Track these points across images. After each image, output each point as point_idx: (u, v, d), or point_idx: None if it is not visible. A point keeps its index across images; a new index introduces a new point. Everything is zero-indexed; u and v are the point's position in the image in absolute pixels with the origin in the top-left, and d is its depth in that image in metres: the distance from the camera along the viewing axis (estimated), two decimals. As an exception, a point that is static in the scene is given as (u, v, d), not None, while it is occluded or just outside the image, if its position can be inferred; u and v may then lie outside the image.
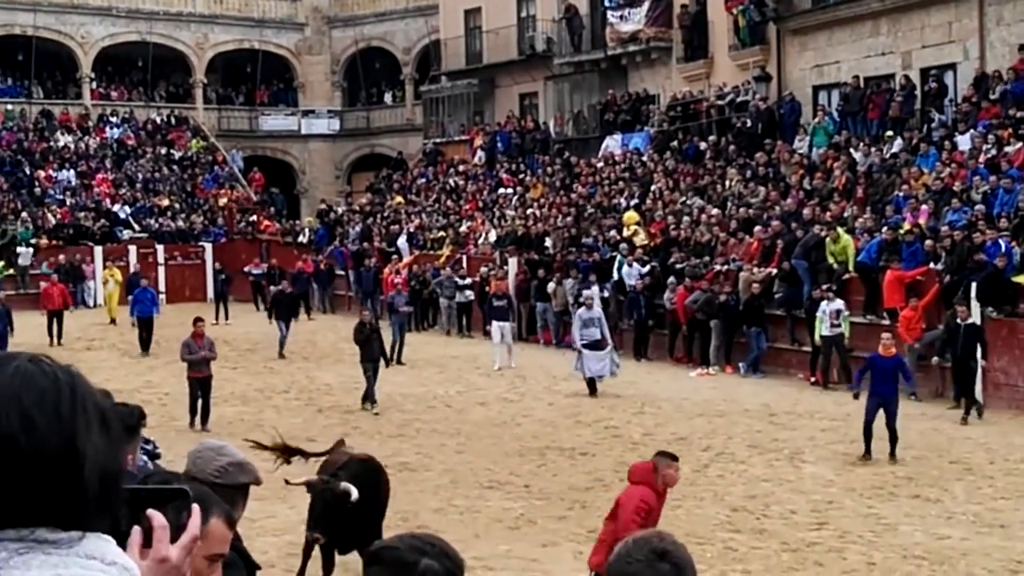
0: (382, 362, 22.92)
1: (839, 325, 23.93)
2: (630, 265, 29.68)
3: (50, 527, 1.73)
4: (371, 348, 22.56)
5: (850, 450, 17.78)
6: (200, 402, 20.63)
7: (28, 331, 30.10)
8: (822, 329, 24.04)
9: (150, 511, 1.91)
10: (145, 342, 29.95)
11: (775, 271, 26.89)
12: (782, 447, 18.38)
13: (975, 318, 21.72)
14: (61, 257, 40.55)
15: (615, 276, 30.09)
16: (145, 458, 6.25)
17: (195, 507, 1.99)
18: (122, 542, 1.88)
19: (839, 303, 24.19)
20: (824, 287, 24.59)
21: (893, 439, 17.39)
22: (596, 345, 23.61)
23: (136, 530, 1.89)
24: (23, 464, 1.69)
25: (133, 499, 1.96)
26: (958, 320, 21.27)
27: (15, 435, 1.69)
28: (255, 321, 36.95)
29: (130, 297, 34.91)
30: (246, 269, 42.11)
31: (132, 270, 38.76)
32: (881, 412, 17.30)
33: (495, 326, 28.22)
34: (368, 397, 22.26)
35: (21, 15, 49.34)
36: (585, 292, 26.82)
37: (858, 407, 17.85)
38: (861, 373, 18.26)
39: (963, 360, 21.19)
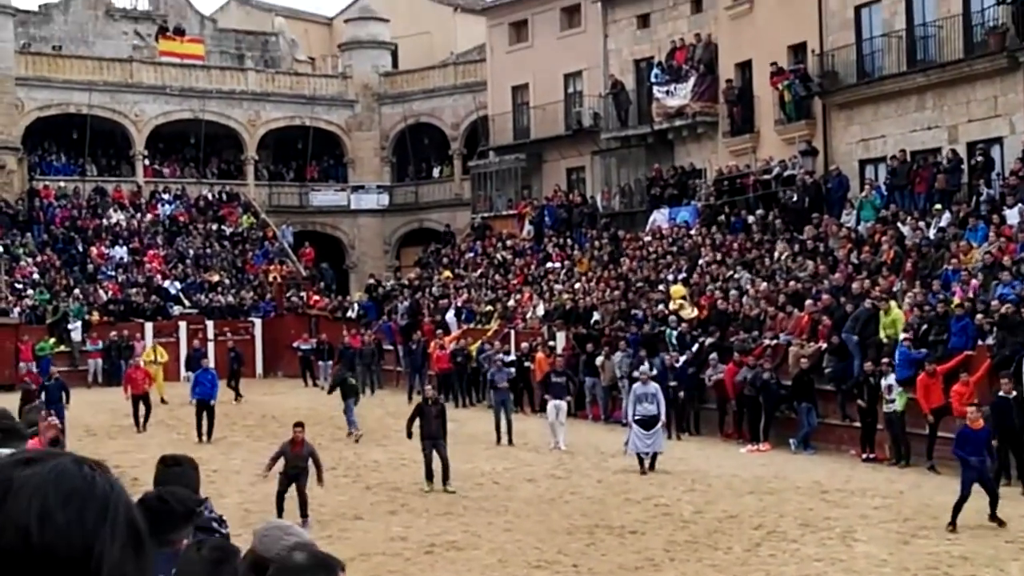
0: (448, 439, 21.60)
1: (892, 400, 23.66)
2: (670, 353, 29.56)
3: None
4: (431, 425, 21.48)
5: (904, 528, 17.52)
6: (296, 492, 18.73)
7: (76, 409, 30.23)
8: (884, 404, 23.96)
9: None
10: (203, 430, 27.76)
11: (825, 345, 26.72)
12: (834, 525, 18.12)
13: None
14: (113, 334, 40.94)
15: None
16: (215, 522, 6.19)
17: None
18: None
19: (891, 377, 23.96)
20: (884, 361, 24.38)
21: (995, 500, 17.65)
22: (651, 421, 23.33)
23: None
24: (30, 558, 1.64)
25: None
26: (1000, 393, 21.06)
27: (29, 527, 1.65)
28: (304, 396, 37.12)
29: (188, 373, 35.24)
30: (295, 344, 42.38)
31: (195, 346, 38.95)
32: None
33: (551, 404, 27.04)
34: (430, 476, 21.27)
35: (76, 94, 50.24)
36: (641, 367, 26.64)
37: (910, 485, 17.62)
38: (962, 450, 17.91)
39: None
